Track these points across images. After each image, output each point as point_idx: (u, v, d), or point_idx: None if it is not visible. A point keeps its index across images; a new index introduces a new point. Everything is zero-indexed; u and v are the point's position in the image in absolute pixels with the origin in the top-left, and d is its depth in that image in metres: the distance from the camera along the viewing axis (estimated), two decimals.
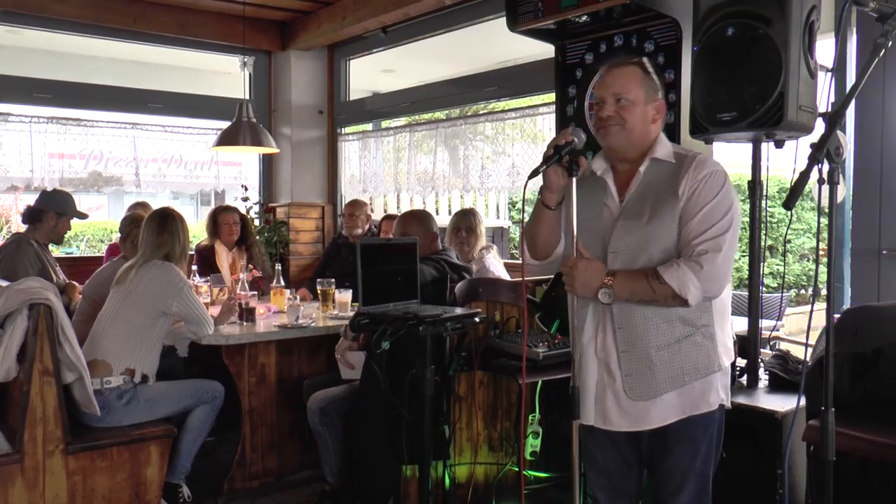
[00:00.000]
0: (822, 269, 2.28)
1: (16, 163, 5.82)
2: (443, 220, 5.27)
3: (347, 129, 6.81)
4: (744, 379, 3.01)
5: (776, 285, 9.03)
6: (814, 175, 1.84)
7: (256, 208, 6.60)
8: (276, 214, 6.72)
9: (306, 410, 3.81)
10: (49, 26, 5.78)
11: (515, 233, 12.28)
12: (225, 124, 5.52)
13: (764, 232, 3.11)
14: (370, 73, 7.33)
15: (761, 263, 3.10)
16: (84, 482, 3.30)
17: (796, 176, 1.82)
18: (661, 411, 2.22)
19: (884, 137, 3.29)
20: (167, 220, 3.78)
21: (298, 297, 4.96)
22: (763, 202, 3.06)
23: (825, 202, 1.85)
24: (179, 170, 6.93)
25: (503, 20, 3.86)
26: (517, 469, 3.48)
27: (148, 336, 3.64)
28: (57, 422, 3.20)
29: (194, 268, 5.19)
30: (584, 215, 2.24)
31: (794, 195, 1.75)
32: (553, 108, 4.33)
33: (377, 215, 6.35)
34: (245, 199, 6.43)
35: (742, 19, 2.75)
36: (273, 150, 5.65)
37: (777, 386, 2.92)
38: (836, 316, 2.62)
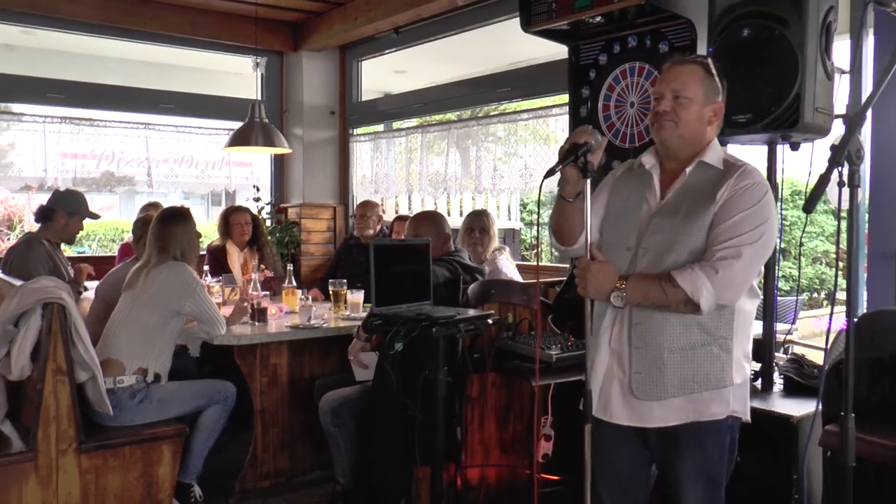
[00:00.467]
0: (835, 272, 2.26)
1: (29, 162, 5.86)
2: (455, 221, 5.26)
3: (359, 130, 6.81)
4: (758, 383, 2.99)
5: (789, 289, 8.99)
6: (831, 177, 1.83)
7: (268, 209, 6.61)
8: (287, 215, 6.73)
9: (318, 411, 3.81)
10: (62, 27, 5.81)
11: (527, 235, 12.26)
12: (237, 125, 5.53)
13: (779, 235, 3.08)
14: (382, 74, 7.33)
15: (776, 267, 3.07)
16: (96, 481, 3.30)
17: (815, 179, 1.80)
18: (664, 412, 2.21)
19: None
20: (169, 221, 3.78)
21: (310, 298, 4.96)
22: (778, 205, 3.03)
23: (845, 205, 1.83)
24: (191, 170, 6.96)
25: (516, 21, 3.85)
26: (529, 471, 3.47)
27: (161, 336, 3.64)
28: (70, 421, 3.21)
29: (206, 268, 5.20)
30: (624, 206, 2.28)
31: (814, 198, 1.74)
32: (566, 109, 4.31)
33: (388, 216, 6.35)
34: (257, 200, 6.44)
35: (758, 20, 2.74)
36: (285, 150, 5.66)
37: (792, 390, 2.90)
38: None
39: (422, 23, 5.66)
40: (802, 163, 2.96)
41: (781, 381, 2.98)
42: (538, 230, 2.88)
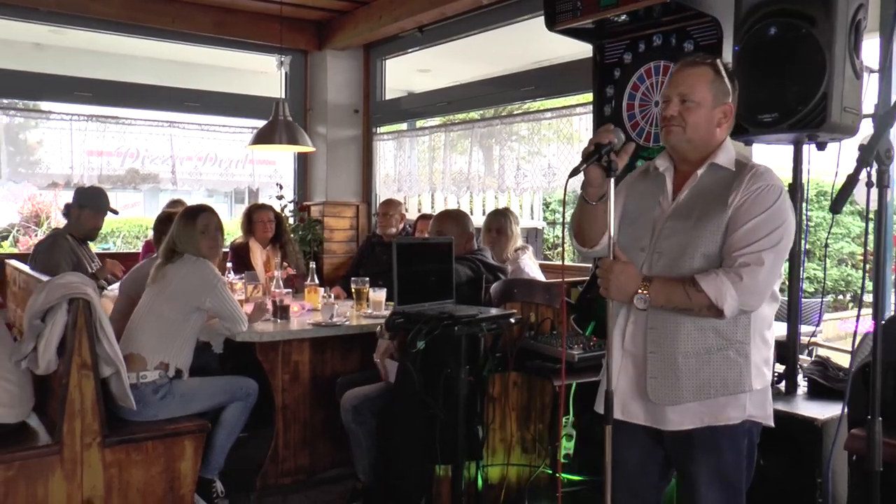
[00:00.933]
0: (863, 274, 2.23)
1: (56, 160, 5.93)
2: (477, 220, 5.25)
3: (382, 129, 6.82)
4: (782, 385, 2.96)
5: (813, 290, 8.89)
6: (860, 178, 1.80)
7: (291, 206, 6.63)
8: (310, 213, 6.75)
9: (339, 408, 3.82)
10: (90, 26, 5.87)
11: (550, 234, 12.23)
12: (261, 123, 5.56)
13: (804, 236, 3.05)
14: (406, 73, 7.35)
15: (801, 269, 3.04)
16: (120, 475, 3.34)
17: (842, 179, 1.78)
18: (679, 416, 2.20)
19: None
20: (175, 220, 3.84)
21: (332, 296, 4.98)
22: (804, 206, 3.00)
23: (873, 206, 1.81)
24: (215, 168, 7.01)
25: (540, 19, 3.83)
26: (550, 471, 3.46)
27: (181, 331, 3.67)
28: (94, 415, 3.24)
29: (229, 265, 5.23)
30: (639, 209, 2.26)
31: (841, 198, 1.71)
32: (590, 108, 4.30)
33: (411, 215, 6.35)
34: (280, 198, 6.47)
35: (785, 18, 2.71)
36: (309, 148, 5.68)
37: (816, 393, 2.87)
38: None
39: (446, 21, 5.66)
40: (828, 163, 2.92)
41: (805, 383, 2.95)
42: (563, 230, 2.86)
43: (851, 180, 1.71)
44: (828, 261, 10.34)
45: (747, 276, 2.05)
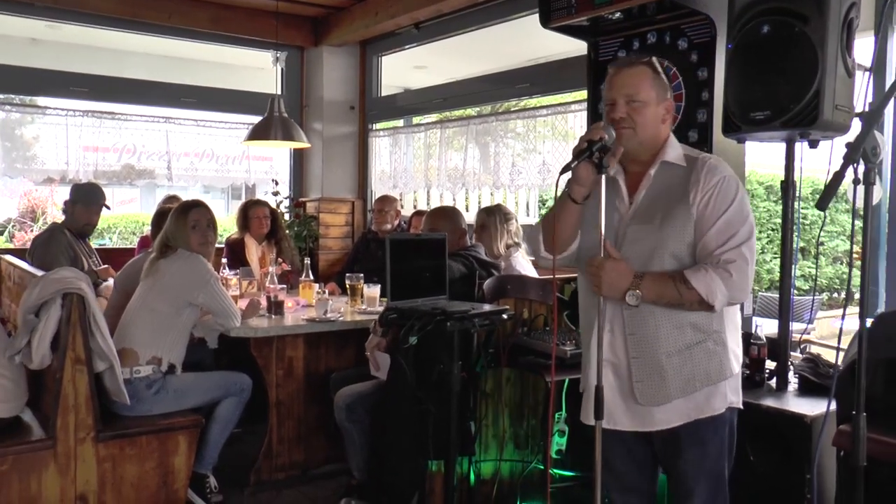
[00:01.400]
0: (856, 272, 2.25)
1: (52, 155, 5.93)
2: (473, 217, 5.26)
3: (378, 125, 6.82)
4: (773, 382, 2.97)
5: (808, 288, 8.92)
6: (849, 175, 1.81)
7: (287, 202, 6.64)
8: (306, 209, 6.76)
9: (333, 404, 3.82)
10: (87, 21, 5.86)
11: None
12: (257, 119, 5.56)
13: (796, 234, 3.06)
14: (402, 70, 7.34)
15: (793, 266, 3.05)
16: (114, 469, 3.35)
17: (830, 176, 1.79)
18: (666, 414, 2.23)
19: None
20: (168, 215, 3.85)
21: (327, 292, 4.99)
22: (796, 203, 3.01)
23: (860, 203, 1.82)
24: (211, 164, 7.01)
25: (536, 17, 3.84)
26: (542, 467, 3.47)
27: (174, 326, 3.68)
28: (88, 409, 3.25)
29: (224, 260, 5.23)
30: (594, 215, 2.21)
31: (827, 195, 1.72)
32: (585, 105, 4.30)
33: (407, 211, 6.36)
34: (276, 194, 6.47)
35: (778, 17, 2.71)
36: (304, 145, 5.69)
37: (807, 390, 2.88)
38: (870, 320, 2.58)
39: (442, 18, 5.67)
40: (823, 160, 2.94)
41: (796, 380, 2.96)
42: (556, 226, 2.85)
43: (837, 178, 1.72)
44: (823, 259, 10.36)
45: (735, 272, 2.10)
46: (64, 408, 3.19)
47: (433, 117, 6.78)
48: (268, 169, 7.12)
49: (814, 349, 3.41)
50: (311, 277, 4.87)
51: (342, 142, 6.76)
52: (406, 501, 3.45)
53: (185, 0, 5.94)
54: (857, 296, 2.02)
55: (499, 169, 5.53)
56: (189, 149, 6.60)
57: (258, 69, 6.93)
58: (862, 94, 2.84)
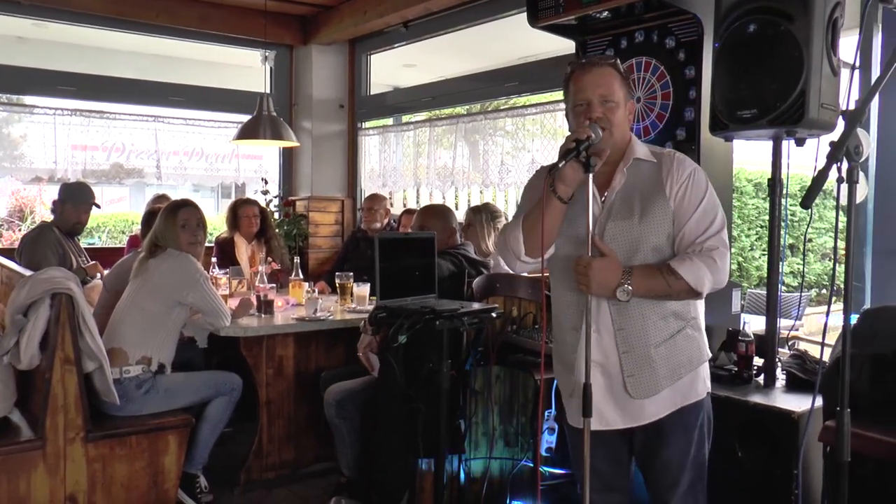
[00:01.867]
0: (841, 268, 2.27)
1: (40, 154, 5.91)
2: (463, 215, 5.27)
3: (368, 124, 6.82)
4: (761, 378, 2.99)
5: (796, 284, 8.96)
6: (834, 173, 1.83)
7: (276, 201, 6.63)
8: (295, 208, 6.75)
9: (323, 403, 3.83)
10: (74, 20, 5.84)
11: None
12: (246, 118, 5.55)
13: (784, 231, 3.08)
14: (391, 68, 7.34)
15: (781, 262, 3.07)
16: (103, 469, 3.34)
17: (815, 174, 1.81)
18: (655, 406, 2.26)
19: None
20: (157, 215, 3.84)
21: (317, 291, 4.99)
22: (784, 200, 3.03)
23: (844, 201, 1.84)
24: (200, 162, 7.00)
25: (524, 15, 3.85)
26: (532, 464, 3.48)
27: (163, 325, 3.68)
28: (77, 410, 3.25)
29: (214, 259, 5.23)
30: (570, 213, 2.22)
31: (811, 193, 1.73)
32: None
33: (396, 210, 6.36)
34: (265, 193, 6.46)
35: (764, 15, 2.73)
36: (293, 143, 5.68)
37: (794, 386, 2.90)
38: (856, 317, 2.61)
39: (431, 17, 5.67)
40: (810, 158, 2.95)
41: (784, 376, 2.98)
42: (543, 226, 2.85)
43: (821, 176, 1.74)
44: (812, 255, 10.41)
45: (719, 258, 2.18)
46: (53, 408, 3.19)
47: (422, 116, 6.79)
48: (257, 168, 7.12)
49: (802, 345, 3.44)
50: (301, 276, 4.88)
51: (331, 140, 6.76)
52: (396, 499, 3.46)
53: None
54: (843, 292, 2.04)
55: (488, 167, 5.54)
56: (178, 147, 6.58)
57: (247, 68, 6.92)
58: (847, 92, 2.86)
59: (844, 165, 1.78)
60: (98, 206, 5.12)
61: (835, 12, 2.70)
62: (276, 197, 6.64)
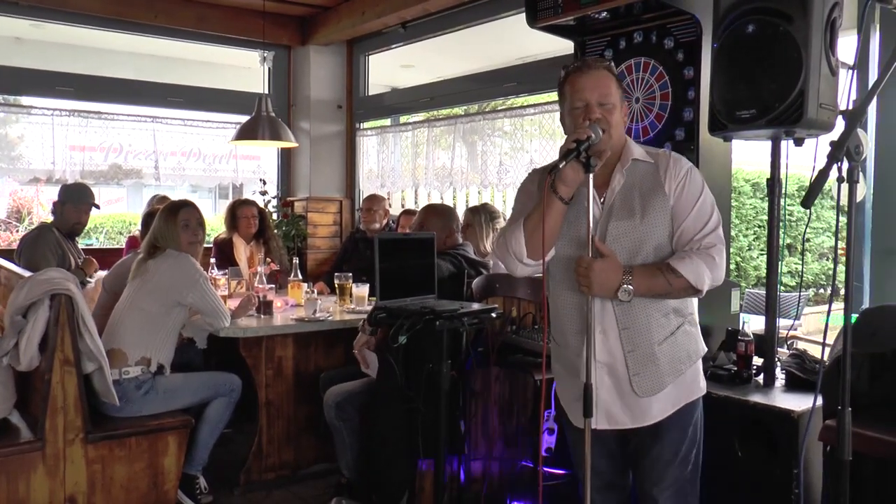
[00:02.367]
0: (840, 268, 2.27)
1: (38, 155, 5.90)
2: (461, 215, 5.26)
3: (366, 125, 6.83)
4: (760, 378, 2.99)
5: (794, 284, 8.97)
6: (833, 173, 1.83)
7: (275, 202, 6.63)
8: (294, 208, 6.75)
9: (323, 403, 3.83)
10: (71, 20, 5.84)
11: None
12: (244, 118, 5.55)
13: (783, 230, 3.08)
14: (389, 69, 7.35)
15: (779, 262, 3.08)
16: (103, 471, 3.34)
17: (815, 174, 1.81)
18: (661, 404, 2.27)
19: None
20: (157, 216, 3.84)
21: (315, 291, 4.99)
22: (782, 200, 3.03)
23: (844, 201, 1.84)
24: (198, 163, 7.00)
25: (522, 16, 3.85)
26: (532, 465, 3.48)
27: (163, 326, 3.67)
28: (77, 411, 3.24)
29: (212, 260, 5.22)
30: (567, 218, 2.23)
31: (812, 193, 1.74)
32: None
33: (395, 210, 6.37)
34: (263, 193, 6.46)
35: (763, 16, 2.73)
36: (292, 144, 5.68)
37: (794, 385, 2.90)
38: (855, 316, 2.62)
39: (429, 17, 5.67)
40: (808, 158, 2.96)
41: (783, 376, 2.99)
42: (543, 225, 2.85)
43: (822, 176, 1.74)
44: (809, 255, 10.42)
45: (717, 255, 2.20)
46: (53, 409, 3.19)
47: (420, 116, 6.79)
48: (255, 168, 7.12)
49: (800, 345, 3.44)
50: (300, 277, 4.87)
51: (330, 141, 6.76)
52: (396, 500, 3.46)
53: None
54: (842, 292, 2.04)
55: (486, 168, 5.54)
56: (176, 148, 6.58)
57: (245, 68, 6.92)
58: (845, 92, 2.87)
59: (845, 165, 1.78)
60: (97, 207, 5.13)
61: (833, 13, 2.71)
62: (274, 198, 6.64)
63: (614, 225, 2.25)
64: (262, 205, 6.05)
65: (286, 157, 6.95)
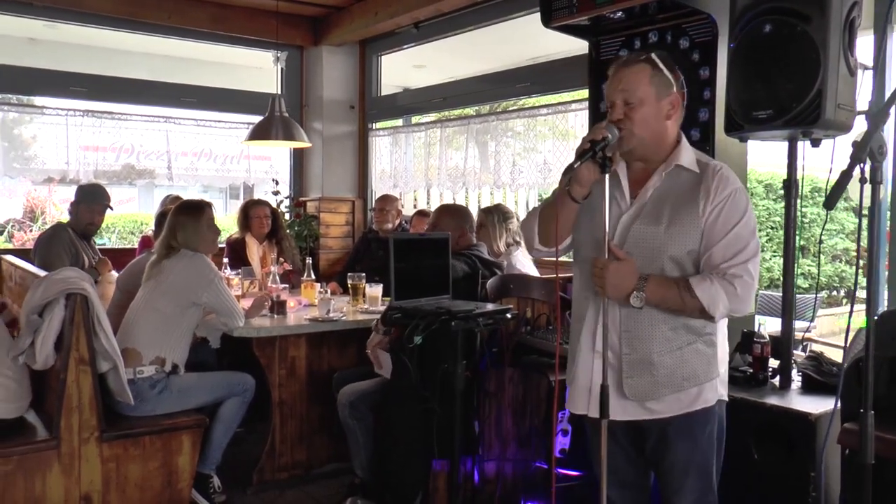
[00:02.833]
0: (856, 270, 2.25)
1: (52, 155, 5.93)
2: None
3: (378, 125, 6.83)
4: (776, 380, 2.98)
5: (807, 286, 8.93)
6: (854, 174, 1.82)
7: (287, 202, 6.64)
8: (306, 208, 6.76)
9: (336, 403, 3.83)
10: (85, 21, 5.86)
11: None
12: (257, 119, 5.56)
13: (797, 232, 3.07)
14: (402, 69, 7.35)
15: (794, 264, 3.06)
16: (118, 469, 3.35)
17: (837, 175, 1.79)
18: (658, 405, 2.24)
19: None
20: (177, 213, 3.85)
21: (329, 291, 4.99)
22: (798, 202, 3.02)
23: (866, 202, 1.83)
24: (210, 163, 7.02)
25: (536, 16, 3.83)
26: (546, 466, 3.47)
27: (178, 326, 3.68)
28: (92, 410, 3.25)
29: (225, 260, 5.24)
30: (597, 205, 2.19)
31: (835, 194, 1.73)
32: (585, 104, 4.30)
33: (408, 211, 6.37)
34: (276, 193, 6.47)
35: (780, 16, 2.72)
36: (305, 144, 5.69)
37: (810, 388, 2.88)
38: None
39: (442, 17, 5.67)
40: (822, 159, 2.94)
41: (800, 378, 2.97)
42: (557, 226, 2.85)
43: (845, 177, 1.73)
44: (822, 257, 10.37)
45: (741, 287, 2.12)
46: (68, 408, 3.20)
47: (433, 116, 6.79)
48: (267, 168, 7.13)
49: (815, 347, 3.42)
50: (313, 277, 4.88)
51: (342, 141, 6.77)
52: (410, 500, 3.46)
53: (185, 0, 5.93)
54: (860, 294, 2.03)
55: (499, 168, 5.53)
56: (189, 148, 6.61)
57: (258, 69, 6.93)
58: (863, 92, 2.85)
59: (867, 166, 1.76)
60: (111, 208, 5.16)
61: (852, 12, 2.69)
62: (286, 198, 6.65)
63: (638, 228, 2.22)
64: (274, 205, 6.06)
65: (298, 158, 6.96)
